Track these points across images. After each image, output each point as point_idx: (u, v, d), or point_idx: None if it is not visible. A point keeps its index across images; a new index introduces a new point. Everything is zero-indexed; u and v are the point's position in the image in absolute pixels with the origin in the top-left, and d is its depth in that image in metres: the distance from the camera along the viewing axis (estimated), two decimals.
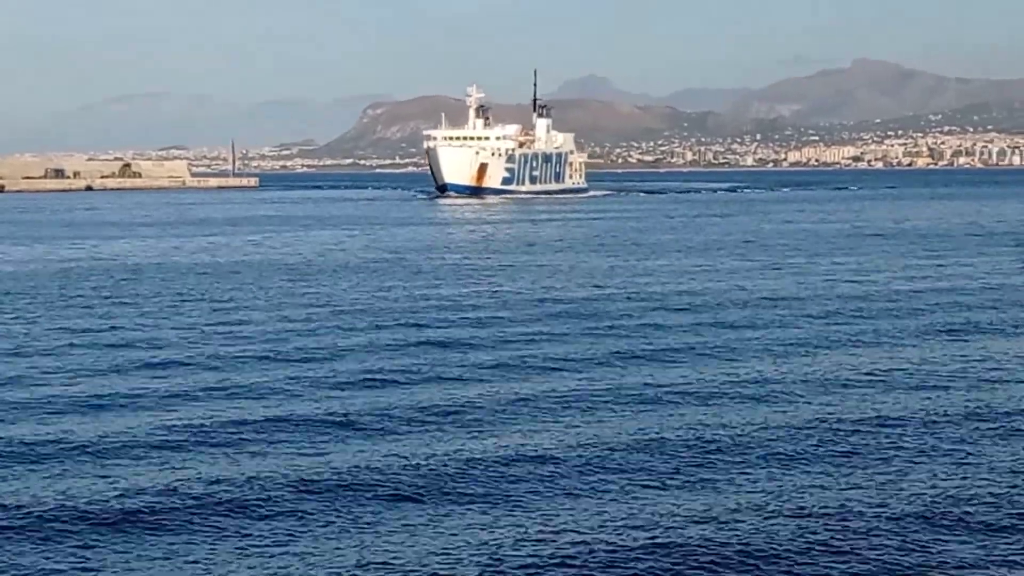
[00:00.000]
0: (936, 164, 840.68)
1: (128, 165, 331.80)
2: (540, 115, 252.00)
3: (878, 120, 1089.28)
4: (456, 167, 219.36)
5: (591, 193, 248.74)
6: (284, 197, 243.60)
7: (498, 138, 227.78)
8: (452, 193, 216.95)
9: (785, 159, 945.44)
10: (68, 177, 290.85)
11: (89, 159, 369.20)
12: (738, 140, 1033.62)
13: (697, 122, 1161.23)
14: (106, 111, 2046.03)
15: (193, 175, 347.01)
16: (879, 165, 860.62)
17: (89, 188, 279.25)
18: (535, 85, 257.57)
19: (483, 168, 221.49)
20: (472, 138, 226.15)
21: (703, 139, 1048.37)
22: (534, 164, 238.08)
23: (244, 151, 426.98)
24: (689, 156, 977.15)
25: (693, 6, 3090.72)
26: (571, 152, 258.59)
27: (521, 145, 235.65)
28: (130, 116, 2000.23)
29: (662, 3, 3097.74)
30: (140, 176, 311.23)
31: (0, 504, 23.02)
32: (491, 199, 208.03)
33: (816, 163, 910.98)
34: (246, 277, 67.67)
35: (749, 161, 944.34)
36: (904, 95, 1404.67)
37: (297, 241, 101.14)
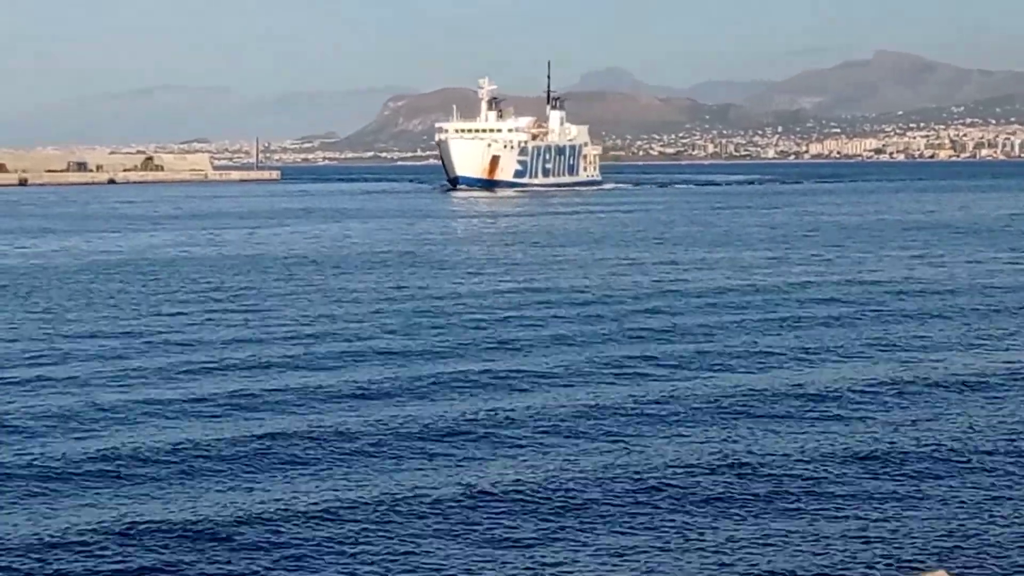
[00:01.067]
0: (958, 156, 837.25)
1: (150, 158, 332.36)
2: (554, 107, 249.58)
3: (900, 112, 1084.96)
4: (468, 160, 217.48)
5: (606, 186, 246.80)
6: (305, 190, 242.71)
7: (510, 130, 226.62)
8: (464, 186, 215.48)
9: (807, 151, 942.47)
10: (91, 170, 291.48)
11: (112, 152, 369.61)
12: (759, 132, 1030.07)
13: (718, 114, 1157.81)
14: (128, 105, 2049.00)
15: (215, 168, 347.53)
16: (901, 157, 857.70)
17: (112, 181, 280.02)
18: (548, 77, 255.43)
19: (495, 160, 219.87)
20: (484, 130, 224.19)
21: (724, 131, 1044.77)
22: (547, 156, 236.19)
23: (266, 144, 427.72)
24: (711, 148, 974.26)
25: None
26: (585, 144, 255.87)
27: (534, 137, 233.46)
28: (152, 110, 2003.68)
29: None
30: (162, 169, 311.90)
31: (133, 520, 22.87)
32: (503, 192, 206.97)
33: (838, 155, 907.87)
34: (279, 271, 68.16)
35: (770, 153, 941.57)
36: (926, 87, 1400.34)
37: (332, 234, 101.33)
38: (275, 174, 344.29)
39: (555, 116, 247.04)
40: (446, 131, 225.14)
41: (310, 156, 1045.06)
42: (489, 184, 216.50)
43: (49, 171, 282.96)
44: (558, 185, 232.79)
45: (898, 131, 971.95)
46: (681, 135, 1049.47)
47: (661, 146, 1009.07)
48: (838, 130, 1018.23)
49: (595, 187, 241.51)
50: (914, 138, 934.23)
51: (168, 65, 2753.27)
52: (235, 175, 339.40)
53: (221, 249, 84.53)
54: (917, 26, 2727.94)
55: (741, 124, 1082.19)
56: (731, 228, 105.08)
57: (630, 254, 77.11)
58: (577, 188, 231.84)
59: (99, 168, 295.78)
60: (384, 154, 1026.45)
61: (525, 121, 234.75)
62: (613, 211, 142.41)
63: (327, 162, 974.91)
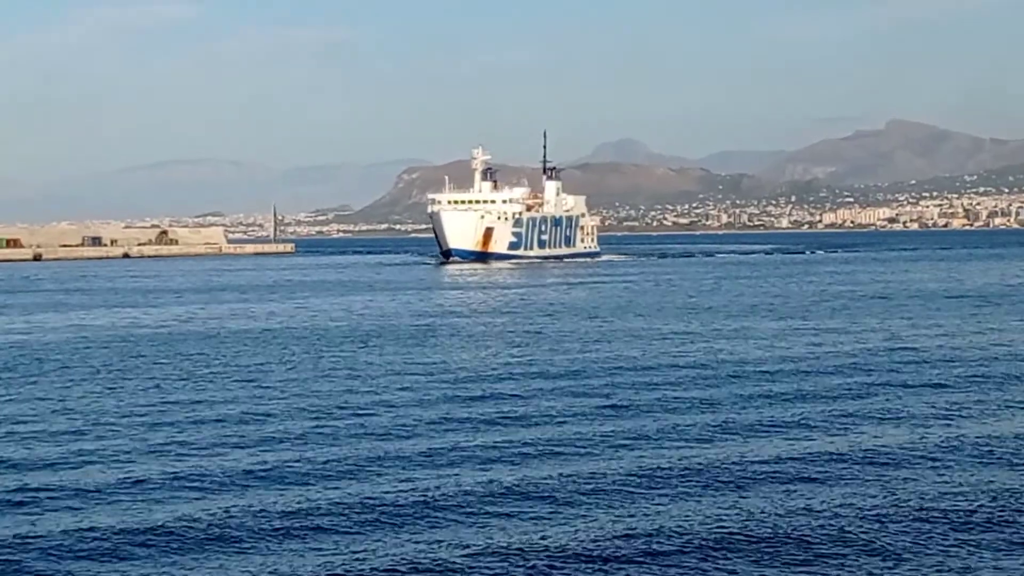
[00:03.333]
0: (971, 225, 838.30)
1: (165, 232, 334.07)
2: (549, 177, 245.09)
3: (913, 181, 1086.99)
4: (460, 232, 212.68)
5: (604, 257, 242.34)
6: (318, 263, 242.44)
7: (505, 201, 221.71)
8: (457, 258, 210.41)
9: (820, 221, 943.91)
10: (105, 245, 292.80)
11: (126, 226, 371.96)
12: (773, 202, 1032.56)
13: (732, 184, 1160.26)
14: (143, 178, 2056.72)
15: (229, 241, 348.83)
16: (914, 226, 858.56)
17: (126, 255, 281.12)
18: (544, 147, 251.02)
19: (489, 232, 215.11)
20: (477, 201, 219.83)
21: (738, 201, 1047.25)
22: (543, 228, 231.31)
23: (281, 217, 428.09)
24: (724, 219, 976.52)
25: (725, 68, 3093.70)
26: (583, 215, 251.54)
27: (529, 208, 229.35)
28: (166, 183, 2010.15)
29: (694, 66, 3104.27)
30: (177, 243, 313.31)
31: None
32: (497, 264, 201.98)
33: (851, 225, 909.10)
34: (289, 345, 68.14)
35: (784, 223, 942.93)
36: (939, 156, 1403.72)
37: (340, 307, 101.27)
38: (290, 247, 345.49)
39: (551, 186, 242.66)
40: (439, 202, 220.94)
41: (324, 229, 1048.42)
42: (483, 256, 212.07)
43: (64, 246, 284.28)
44: (554, 257, 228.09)
45: (911, 200, 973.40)
46: (695, 205, 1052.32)
47: (675, 216, 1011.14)
48: (851, 199, 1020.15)
49: (593, 259, 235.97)
50: (927, 207, 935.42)
51: (182, 139, 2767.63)
52: (249, 248, 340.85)
53: (205, 325, 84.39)
54: (930, 95, 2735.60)
55: (754, 194, 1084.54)
56: (735, 300, 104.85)
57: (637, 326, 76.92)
58: (574, 260, 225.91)
59: (113, 242, 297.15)
60: (398, 226, 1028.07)
61: (520, 192, 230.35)
62: (602, 283, 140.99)
63: (341, 234, 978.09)
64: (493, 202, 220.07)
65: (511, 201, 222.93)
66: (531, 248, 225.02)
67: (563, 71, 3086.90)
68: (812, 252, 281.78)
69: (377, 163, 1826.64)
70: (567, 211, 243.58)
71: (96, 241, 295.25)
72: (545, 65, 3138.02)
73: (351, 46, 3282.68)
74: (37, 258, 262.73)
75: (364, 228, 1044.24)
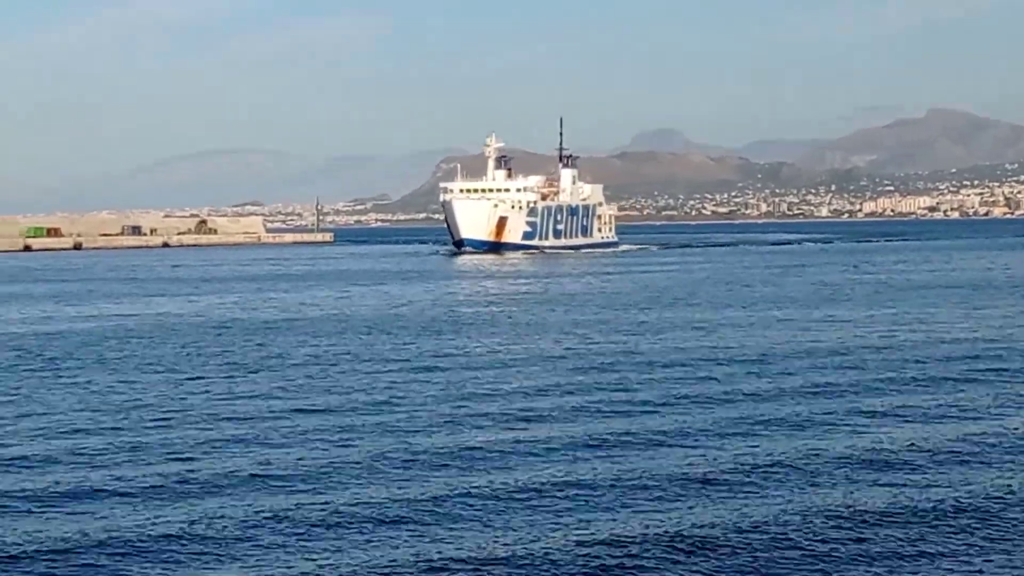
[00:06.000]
0: (1012, 213, 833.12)
1: (204, 222, 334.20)
2: (565, 165, 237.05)
3: (953, 170, 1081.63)
4: (473, 221, 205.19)
5: (622, 247, 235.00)
6: (356, 252, 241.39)
7: (519, 190, 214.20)
8: (470, 249, 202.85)
9: (860, 209, 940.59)
10: (145, 234, 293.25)
11: (165, 216, 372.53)
12: (812, 191, 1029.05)
13: (771, 173, 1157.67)
14: (182, 168, 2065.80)
15: (268, 231, 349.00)
16: (955, 215, 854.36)
17: (166, 245, 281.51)
18: (560, 134, 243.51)
19: (502, 222, 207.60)
20: (491, 190, 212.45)
21: (777, 190, 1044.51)
22: (558, 217, 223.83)
23: (320, 206, 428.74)
24: (763, 207, 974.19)
25: (765, 56, 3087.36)
26: (600, 204, 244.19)
27: (545, 197, 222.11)
28: (206, 173, 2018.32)
29: (733, 54, 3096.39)
30: (216, 232, 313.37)
31: None
32: (511, 255, 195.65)
33: (891, 213, 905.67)
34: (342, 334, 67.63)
35: (824, 212, 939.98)
36: (980, 144, 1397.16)
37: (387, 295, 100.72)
38: (328, 236, 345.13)
39: (567, 174, 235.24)
40: (451, 191, 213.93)
41: (363, 218, 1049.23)
42: (496, 247, 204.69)
43: (103, 235, 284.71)
44: (570, 247, 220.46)
45: (951, 189, 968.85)
46: (734, 194, 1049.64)
47: (714, 205, 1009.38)
48: (891, 188, 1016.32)
49: (610, 249, 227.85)
50: (968, 196, 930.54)
51: (222, 130, 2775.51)
52: (288, 238, 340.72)
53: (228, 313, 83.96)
54: (970, 83, 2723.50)
55: (794, 183, 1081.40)
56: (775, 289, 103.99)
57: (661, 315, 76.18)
58: (590, 250, 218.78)
59: (153, 232, 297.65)
60: (436, 215, 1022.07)
61: (535, 180, 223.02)
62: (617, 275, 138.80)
63: (379, 224, 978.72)
64: (507, 191, 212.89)
65: (525, 190, 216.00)
66: (546, 238, 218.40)
67: (602, 61, 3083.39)
68: (873, 241, 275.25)
69: (415, 152, 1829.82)
70: (584, 200, 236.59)
71: (136, 230, 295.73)
72: (584, 55, 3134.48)
73: (391, 38, 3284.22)
74: (77, 247, 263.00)
75: (402, 217, 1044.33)
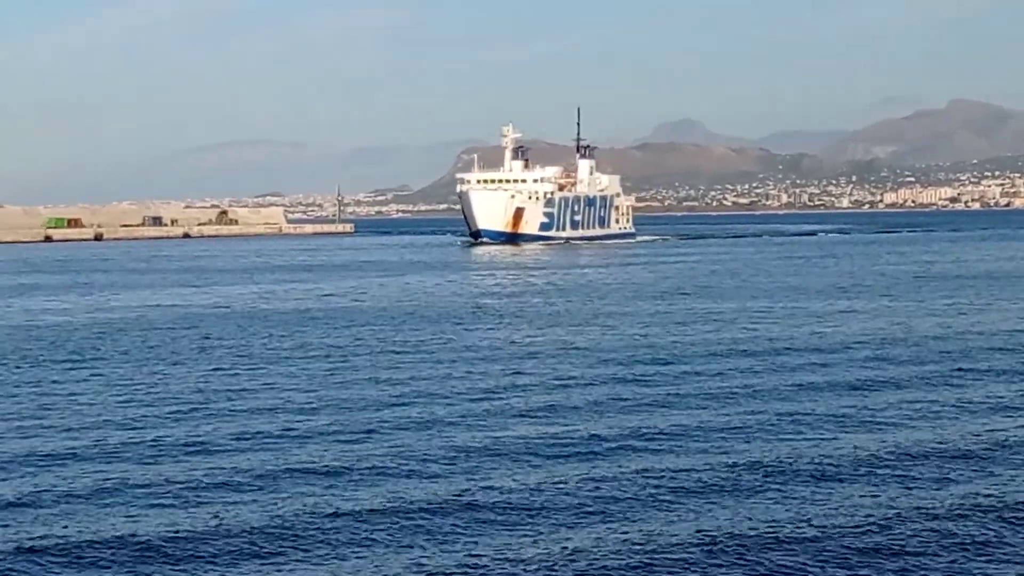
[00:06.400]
0: None
1: (225, 212, 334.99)
2: (583, 156, 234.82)
3: (975, 161, 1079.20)
4: (490, 212, 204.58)
5: (640, 238, 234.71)
6: (376, 242, 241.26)
7: (536, 180, 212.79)
8: (486, 240, 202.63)
9: (881, 201, 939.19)
10: (166, 225, 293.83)
11: (186, 206, 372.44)
12: (833, 182, 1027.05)
13: (791, 164, 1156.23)
14: (203, 158, 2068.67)
15: (289, 222, 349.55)
16: (976, 206, 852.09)
17: (187, 235, 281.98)
18: (578, 124, 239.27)
19: (519, 213, 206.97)
20: (507, 180, 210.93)
21: (798, 181, 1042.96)
22: (575, 208, 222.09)
23: (341, 197, 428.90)
24: (784, 198, 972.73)
25: (786, 48, 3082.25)
26: (617, 195, 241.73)
27: (562, 188, 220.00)
28: (227, 164, 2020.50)
29: (755, 45, 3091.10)
30: (236, 223, 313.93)
31: None
32: (528, 246, 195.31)
33: (912, 204, 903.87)
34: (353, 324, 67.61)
35: (845, 203, 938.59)
36: (1001, 135, 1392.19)
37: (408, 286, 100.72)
38: (349, 227, 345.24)
39: (584, 165, 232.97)
40: (467, 182, 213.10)
41: (384, 209, 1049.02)
42: (513, 238, 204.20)
43: (124, 225, 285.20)
44: (588, 238, 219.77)
45: (972, 180, 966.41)
46: (755, 185, 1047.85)
47: (735, 196, 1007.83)
48: (912, 179, 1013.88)
49: (627, 240, 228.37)
50: (989, 187, 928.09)
51: (243, 120, 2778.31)
52: (308, 228, 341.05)
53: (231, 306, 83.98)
54: (991, 75, 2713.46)
55: (815, 174, 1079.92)
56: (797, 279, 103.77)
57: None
58: (608, 241, 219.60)
59: (174, 222, 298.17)
60: (457, 206, 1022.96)
61: (552, 170, 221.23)
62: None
63: (400, 215, 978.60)
64: (524, 181, 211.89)
65: (542, 180, 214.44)
66: (563, 229, 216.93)
67: (622, 52, 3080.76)
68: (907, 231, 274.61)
69: (436, 143, 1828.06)
70: (601, 191, 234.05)
71: (157, 221, 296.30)
72: (604, 46, 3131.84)
73: (412, 28, 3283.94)
74: (98, 238, 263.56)
75: (423, 208, 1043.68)
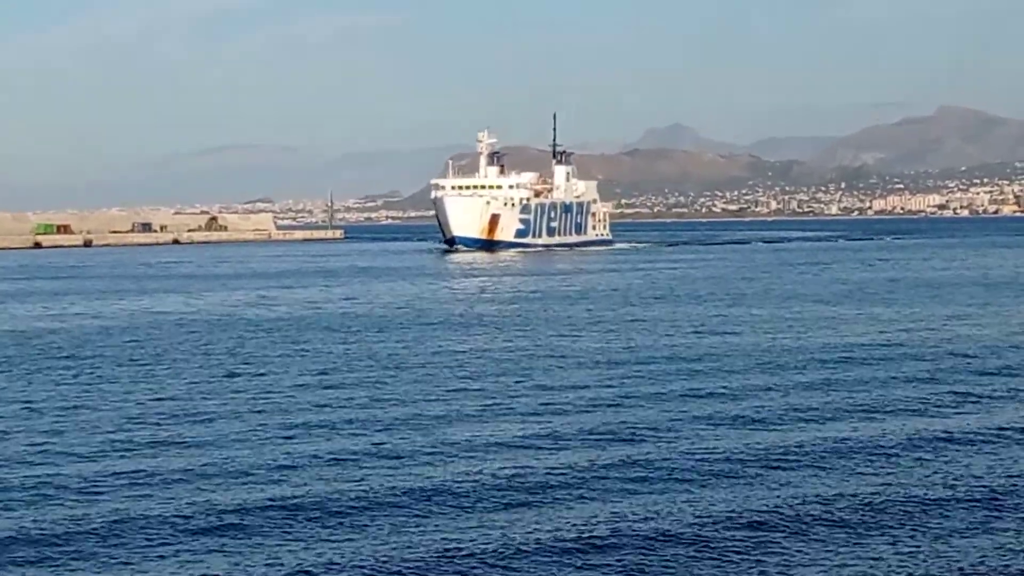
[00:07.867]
0: (1022, 211, 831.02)
1: (214, 219, 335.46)
2: (559, 162, 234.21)
3: (963, 168, 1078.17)
4: (465, 218, 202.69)
5: (617, 245, 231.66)
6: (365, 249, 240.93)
7: (512, 187, 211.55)
8: (461, 247, 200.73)
9: (870, 207, 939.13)
10: (155, 231, 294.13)
11: (176, 213, 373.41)
12: (822, 188, 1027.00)
13: (781, 171, 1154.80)
14: (194, 163, 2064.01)
15: (278, 228, 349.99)
16: (965, 213, 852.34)
17: (176, 242, 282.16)
18: (554, 130, 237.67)
19: (495, 219, 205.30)
20: (483, 187, 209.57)
21: (787, 188, 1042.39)
22: (552, 215, 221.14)
23: (331, 203, 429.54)
24: (773, 205, 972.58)
25: (775, 55, 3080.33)
26: (594, 201, 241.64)
27: (538, 194, 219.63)
28: (218, 168, 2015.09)
29: (744, 52, 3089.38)
30: (226, 229, 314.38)
31: None
32: (504, 253, 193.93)
33: (901, 211, 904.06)
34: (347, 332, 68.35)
35: (834, 210, 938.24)
36: (989, 142, 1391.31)
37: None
38: (339, 233, 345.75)
39: (560, 171, 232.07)
40: (442, 187, 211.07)
41: (373, 215, 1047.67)
42: (489, 244, 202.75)
43: (113, 232, 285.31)
44: (564, 245, 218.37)
45: (961, 187, 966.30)
46: (744, 192, 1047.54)
47: (724, 203, 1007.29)
48: (901, 186, 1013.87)
49: (604, 247, 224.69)
50: (978, 194, 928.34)
51: (232, 125, 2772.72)
52: (298, 234, 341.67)
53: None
54: (980, 81, 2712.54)
55: (804, 180, 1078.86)
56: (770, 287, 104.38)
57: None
58: (584, 248, 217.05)
59: (163, 228, 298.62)
60: None
61: (528, 177, 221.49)
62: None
63: (389, 221, 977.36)
64: (499, 187, 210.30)
65: (518, 186, 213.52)
66: (540, 235, 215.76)
67: (610, 57, 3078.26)
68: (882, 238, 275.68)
69: (426, 149, 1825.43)
70: (578, 197, 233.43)
71: (146, 227, 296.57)
72: (591, 52, 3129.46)
73: (403, 33, 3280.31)
74: (87, 244, 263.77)
75: (413, 214, 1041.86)
